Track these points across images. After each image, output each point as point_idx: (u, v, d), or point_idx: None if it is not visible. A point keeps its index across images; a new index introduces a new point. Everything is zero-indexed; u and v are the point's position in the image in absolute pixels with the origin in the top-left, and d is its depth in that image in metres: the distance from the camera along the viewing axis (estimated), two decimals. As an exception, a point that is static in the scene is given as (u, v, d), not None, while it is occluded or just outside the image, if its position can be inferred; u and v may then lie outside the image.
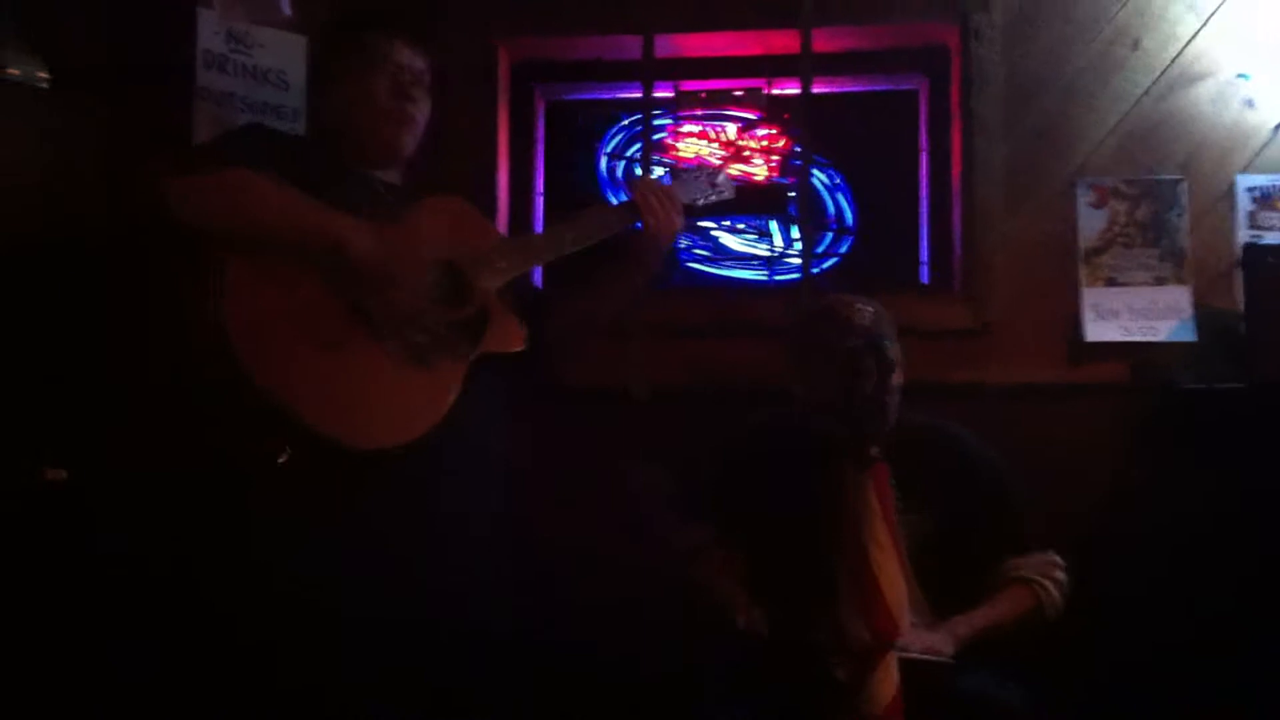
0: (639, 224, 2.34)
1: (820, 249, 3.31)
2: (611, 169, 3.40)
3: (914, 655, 2.10)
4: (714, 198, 2.52)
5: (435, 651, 2.02)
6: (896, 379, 2.36)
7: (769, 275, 3.31)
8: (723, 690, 2.22)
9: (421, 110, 2.25)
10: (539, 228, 3.33)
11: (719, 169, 2.57)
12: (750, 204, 3.29)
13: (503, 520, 2.21)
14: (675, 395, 2.96)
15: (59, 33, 2.55)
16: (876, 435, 2.33)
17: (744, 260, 3.34)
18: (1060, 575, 2.37)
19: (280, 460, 1.90)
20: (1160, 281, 2.97)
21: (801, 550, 2.24)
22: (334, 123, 2.26)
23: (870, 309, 2.41)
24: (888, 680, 2.05)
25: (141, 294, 2.21)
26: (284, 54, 2.77)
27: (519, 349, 2.19)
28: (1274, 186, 2.97)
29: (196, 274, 1.90)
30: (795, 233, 3.29)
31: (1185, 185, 3.00)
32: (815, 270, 3.22)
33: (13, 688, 2.18)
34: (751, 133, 3.32)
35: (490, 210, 3.14)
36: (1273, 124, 2.99)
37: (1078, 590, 2.40)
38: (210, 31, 2.66)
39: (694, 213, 2.52)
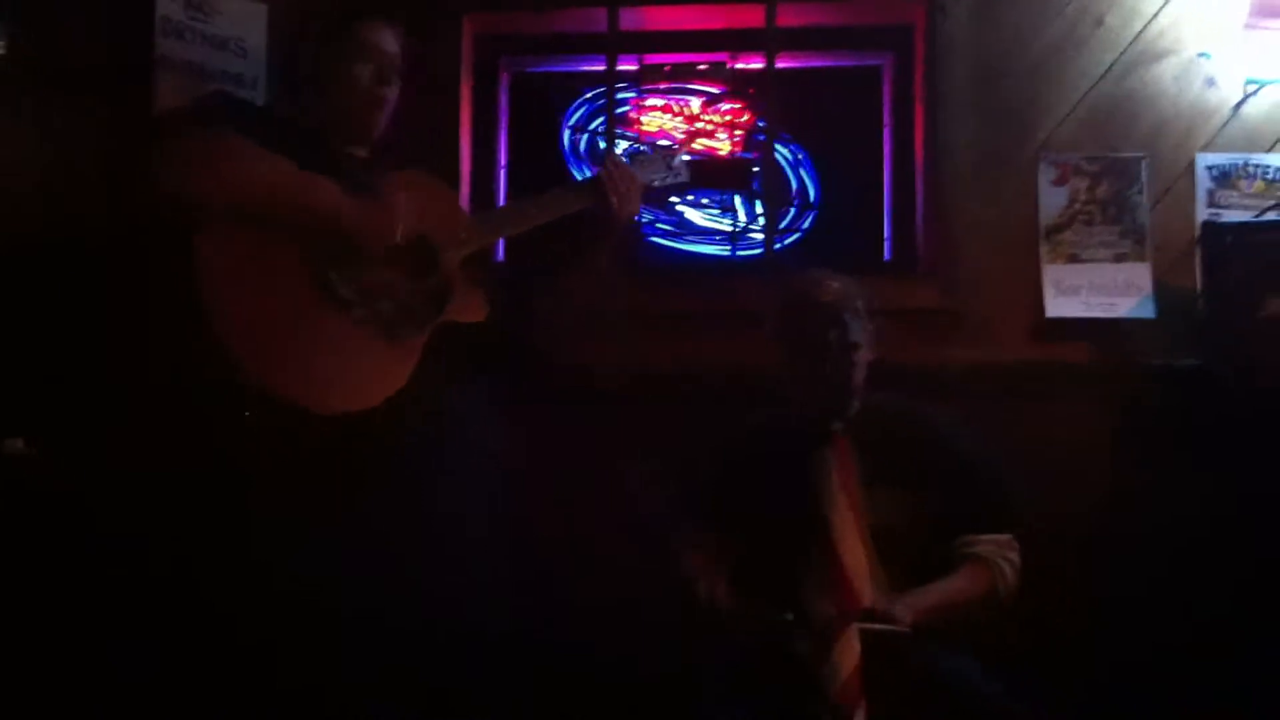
0: (600, 203, 2.40)
1: (784, 224, 3.30)
2: (575, 142, 3.38)
3: (873, 626, 2.11)
4: (670, 180, 2.58)
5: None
6: (863, 356, 2.36)
7: (732, 250, 3.30)
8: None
9: (393, 92, 2.31)
10: (502, 199, 3.32)
11: (676, 152, 2.61)
12: (714, 179, 3.28)
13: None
14: (659, 386, 2.93)
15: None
16: (838, 410, 2.34)
17: (708, 235, 3.33)
18: (1014, 557, 2.35)
19: (245, 416, 1.94)
20: (1121, 259, 2.99)
21: (782, 535, 2.25)
22: (313, 102, 2.29)
23: (835, 285, 2.40)
24: (849, 652, 2.06)
25: (138, 287, 2.22)
26: (242, 22, 2.75)
27: (479, 319, 2.23)
28: (1233, 165, 2.99)
29: (176, 245, 1.93)
30: (759, 208, 3.28)
31: (1146, 163, 3.02)
32: (778, 245, 3.22)
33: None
34: (715, 107, 3.30)
35: (453, 182, 3.11)
36: (1233, 103, 3.01)
37: (1075, 589, 2.40)
38: (168, -1, 2.63)
39: (650, 193, 2.58)
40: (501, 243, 3.09)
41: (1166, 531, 2.68)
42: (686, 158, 2.62)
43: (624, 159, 2.63)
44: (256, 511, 1.99)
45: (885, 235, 3.28)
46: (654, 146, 2.84)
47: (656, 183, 2.54)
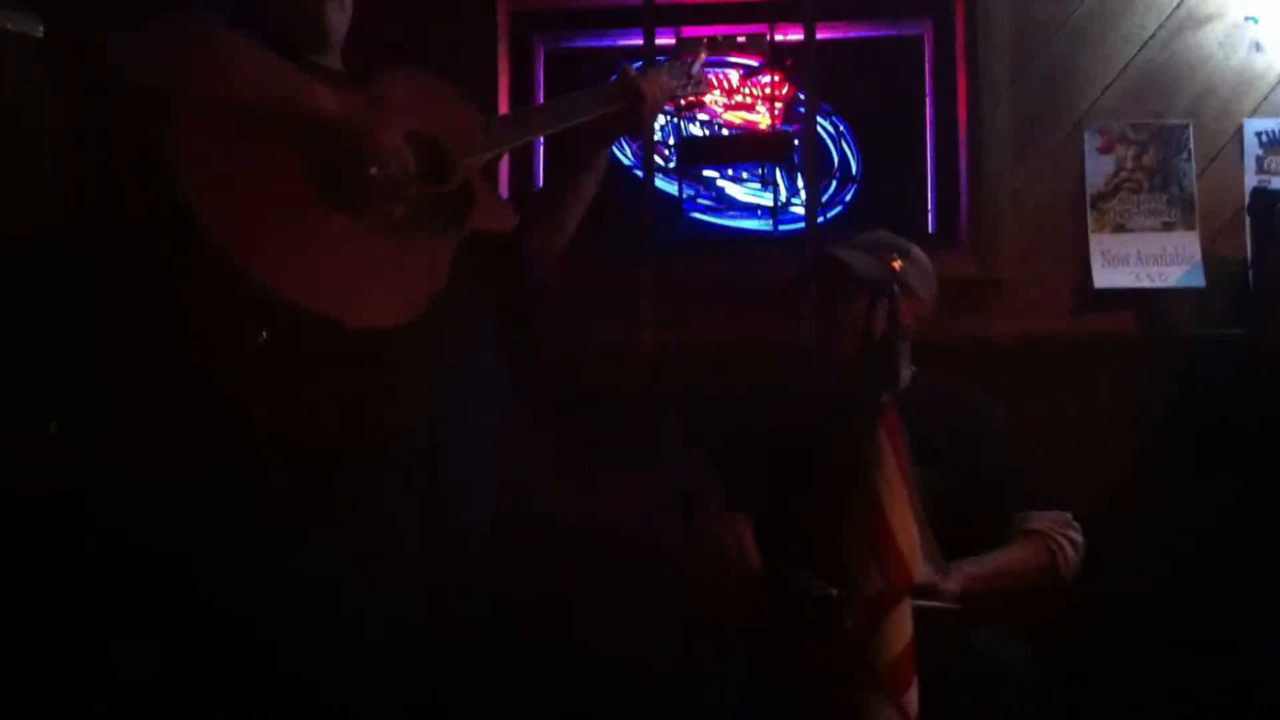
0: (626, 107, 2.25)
1: (825, 197, 3.28)
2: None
3: (924, 603, 2.09)
4: (690, 89, 2.47)
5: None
6: (909, 323, 2.34)
7: (774, 225, 3.28)
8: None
9: None
10: (539, 174, 3.31)
11: (694, 56, 2.49)
12: (754, 152, 3.26)
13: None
14: (687, 356, 2.92)
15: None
16: (887, 380, 2.31)
17: (748, 210, 3.32)
18: (1076, 536, 2.34)
19: (260, 341, 1.76)
20: (1169, 227, 2.96)
21: (813, 501, 2.23)
22: (258, 10, 2.00)
23: (877, 256, 2.38)
24: (900, 629, 2.03)
25: (137, 272, 2.10)
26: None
27: (509, 226, 2.09)
28: (1282, 131, 2.95)
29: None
30: (800, 181, 3.26)
31: (1192, 129, 2.98)
32: (821, 219, 3.20)
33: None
34: (754, 80, 3.28)
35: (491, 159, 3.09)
36: (1280, 68, 2.97)
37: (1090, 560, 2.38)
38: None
39: (672, 101, 2.48)
40: (540, 168, 3.08)
41: (1173, 486, 2.67)
42: (703, 64, 2.51)
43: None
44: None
45: (929, 206, 3.25)
46: (671, 56, 2.76)
47: (678, 90, 2.42)
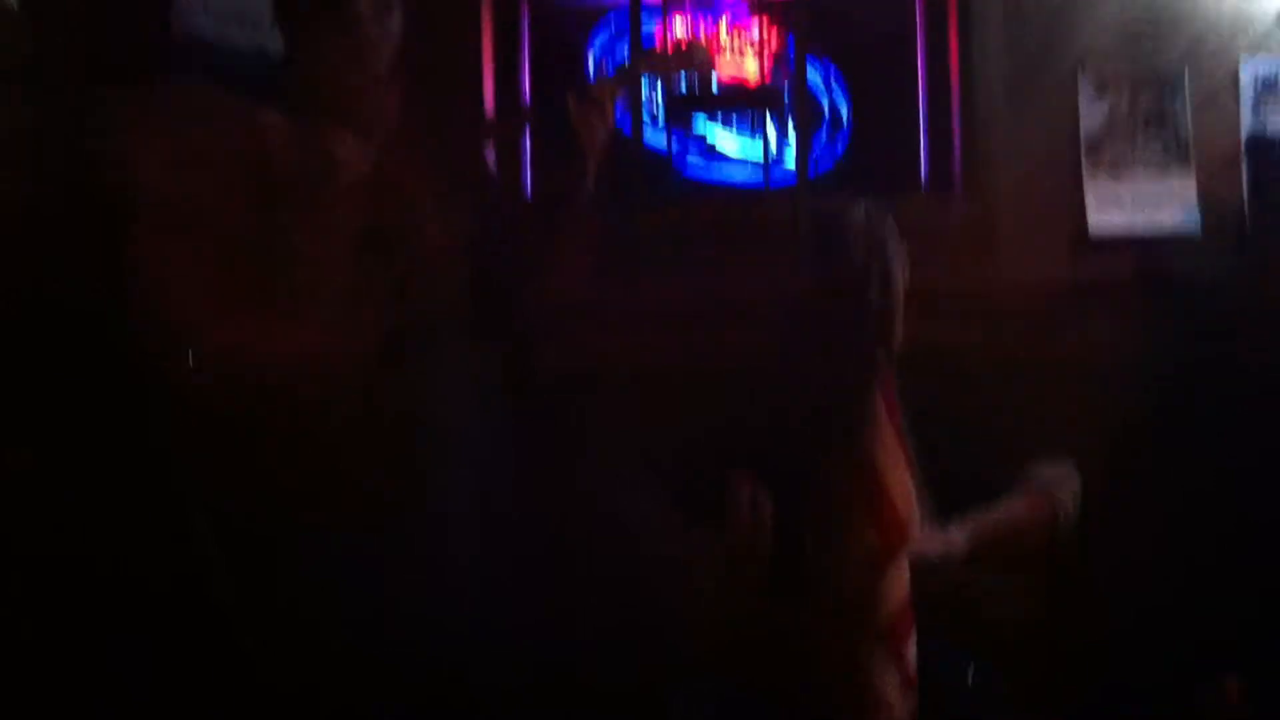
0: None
1: (816, 149, 3.25)
2: (600, 71, 3.32)
3: (923, 554, 2.11)
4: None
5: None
6: (902, 283, 2.33)
7: (765, 178, 3.25)
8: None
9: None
10: (526, 131, 3.27)
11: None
12: (744, 102, 3.23)
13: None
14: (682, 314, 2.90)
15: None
16: (883, 340, 2.31)
17: (739, 162, 3.29)
18: (1076, 486, 2.33)
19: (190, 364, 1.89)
20: (1164, 172, 2.94)
21: (825, 468, 2.23)
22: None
23: (871, 214, 2.37)
24: (898, 584, 2.06)
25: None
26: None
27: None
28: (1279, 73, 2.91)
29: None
30: (791, 130, 3.23)
31: (1188, 72, 2.95)
32: (811, 171, 3.17)
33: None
34: (743, 27, 3.24)
35: (476, 117, 3.09)
36: (1278, 8, 2.93)
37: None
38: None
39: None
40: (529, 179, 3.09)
41: (1209, 456, 2.62)
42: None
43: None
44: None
45: (922, 154, 3.22)
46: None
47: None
